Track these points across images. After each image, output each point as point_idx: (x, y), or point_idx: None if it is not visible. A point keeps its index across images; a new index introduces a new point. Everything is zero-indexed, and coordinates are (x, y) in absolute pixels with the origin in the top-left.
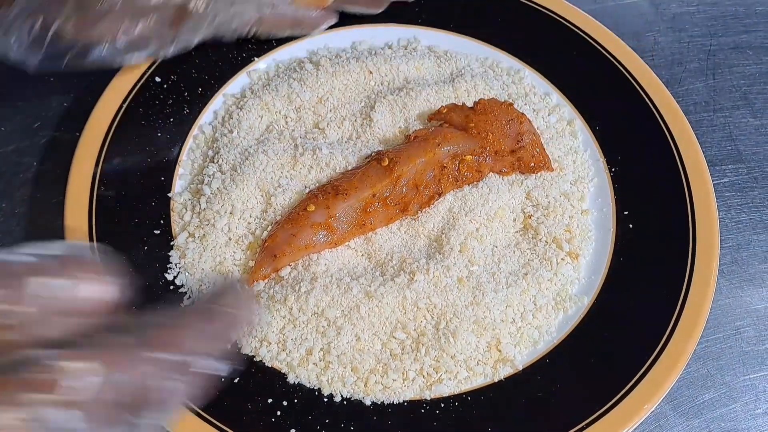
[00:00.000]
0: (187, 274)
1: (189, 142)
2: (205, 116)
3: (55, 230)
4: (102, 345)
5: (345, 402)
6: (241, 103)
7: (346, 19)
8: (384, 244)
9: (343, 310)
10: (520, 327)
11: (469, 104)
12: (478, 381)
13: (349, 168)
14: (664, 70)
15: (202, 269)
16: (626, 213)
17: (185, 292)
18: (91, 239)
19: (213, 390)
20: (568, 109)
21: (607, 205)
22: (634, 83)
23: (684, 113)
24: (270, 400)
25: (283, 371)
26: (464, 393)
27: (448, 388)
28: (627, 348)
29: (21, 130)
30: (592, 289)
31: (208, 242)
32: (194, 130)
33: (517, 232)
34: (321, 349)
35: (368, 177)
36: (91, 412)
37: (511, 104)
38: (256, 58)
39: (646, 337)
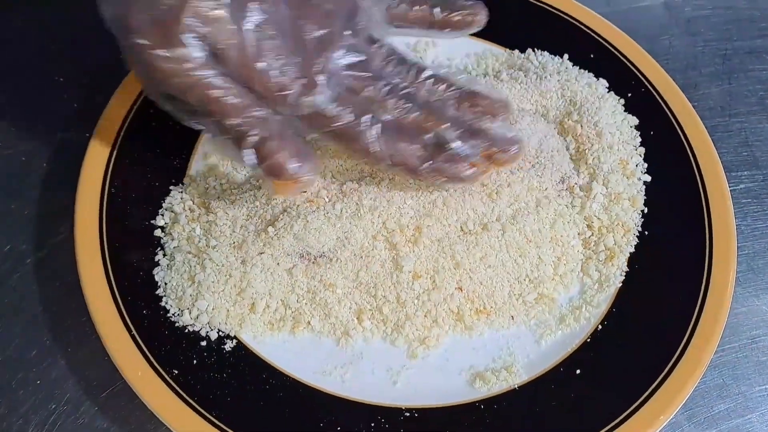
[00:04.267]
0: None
1: (201, 141)
2: None
3: (65, 231)
4: None
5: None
6: None
7: None
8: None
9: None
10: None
11: None
12: (495, 388)
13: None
14: (678, 74)
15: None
16: (642, 219)
17: None
18: (101, 240)
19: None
20: None
21: None
22: (650, 87)
23: (699, 118)
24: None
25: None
26: (477, 401)
27: (464, 395)
28: (642, 357)
29: (31, 131)
30: (607, 297)
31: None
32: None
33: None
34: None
35: None
36: None
37: None
38: None
39: (662, 347)
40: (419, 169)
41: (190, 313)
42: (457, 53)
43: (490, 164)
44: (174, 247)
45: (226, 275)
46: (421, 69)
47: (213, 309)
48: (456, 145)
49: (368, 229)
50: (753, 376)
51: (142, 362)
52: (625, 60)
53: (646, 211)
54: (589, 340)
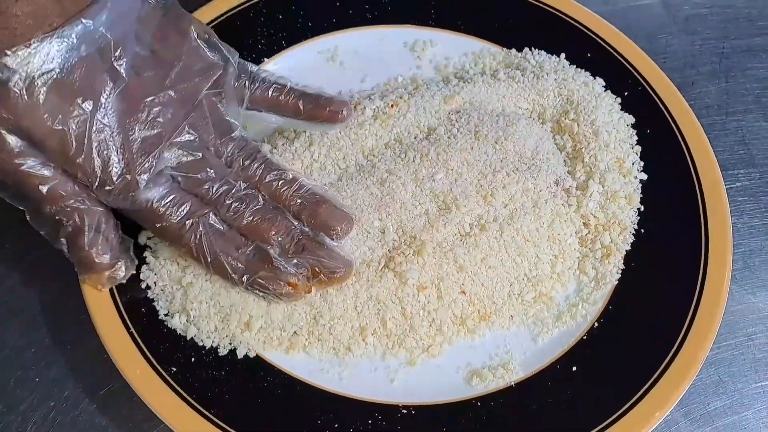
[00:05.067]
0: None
1: None
2: None
3: None
4: None
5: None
6: None
7: (349, 21)
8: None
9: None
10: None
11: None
12: (492, 386)
13: None
14: (676, 73)
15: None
16: (638, 217)
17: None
18: None
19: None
20: None
21: None
22: (647, 86)
23: (696, 116)
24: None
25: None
26: (474, 398)
27: (461, 392)
28: (638, 354)
29: None
30: (604, 294)
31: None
32: None
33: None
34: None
35: None
36: None
37: None
38: (266, 59)
39: (658, 344)
40: (237, 281)
41: (179, 317)
42: (454, 52)
43: (313, 283)
44: (156, 249)
45: (212, 293)
46: (268, 168)
47: (200, 319)
48: (278, 261)
49: (366, 252)
50: (749, 373)
51: (140, 360)
52: (621, 59)
53: (642, 209)
54: (585, 337)
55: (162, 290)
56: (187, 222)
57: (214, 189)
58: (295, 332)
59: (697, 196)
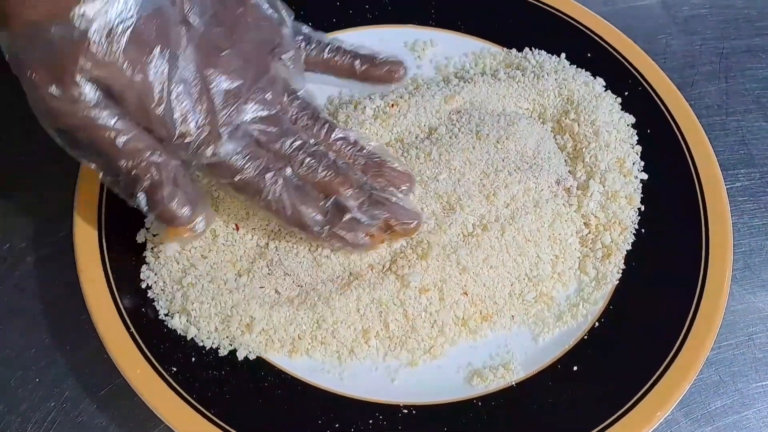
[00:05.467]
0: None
1: None
2: None
3: (64, 230)
4: None
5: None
6: None
7: (348, 19)
8: None
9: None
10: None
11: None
12: (493, 386)
13: None
14: (675, 73)
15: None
16: (638, 217)
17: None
18: (100, 239)
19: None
20: None
21: None
22: (647, 86)
23: (696, 116)
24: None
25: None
26: (475, 398)
27: (462, 392)
28: (639, 354)
29: (32, 131)
30: (604, 294)
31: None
32: None
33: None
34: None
35: None
36: None
37: None
38: None
39: (659, 343)
40: (316, 233)
41: (180, 317)
42: (455, 52)
43: (388, 235)
44: (158, 250)
45: (213, 292)
46: (332, 128)
47: (201, 320)
48: (356, 213)
49: (371, 255)
50: (750, 373)
51: (140, 360)
52: (621, 59)
53: (642, 209)
54: (586, 337)
55: (162, 290)
56: (266, 175)
57: (288, 144)
58: (298, 336)
59: (697, 196)
